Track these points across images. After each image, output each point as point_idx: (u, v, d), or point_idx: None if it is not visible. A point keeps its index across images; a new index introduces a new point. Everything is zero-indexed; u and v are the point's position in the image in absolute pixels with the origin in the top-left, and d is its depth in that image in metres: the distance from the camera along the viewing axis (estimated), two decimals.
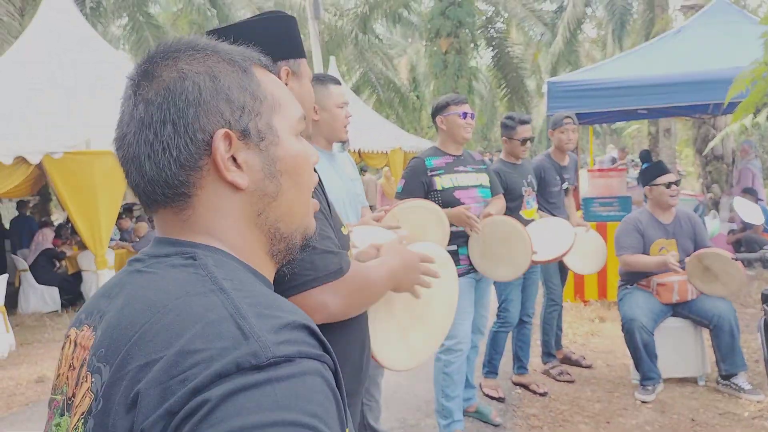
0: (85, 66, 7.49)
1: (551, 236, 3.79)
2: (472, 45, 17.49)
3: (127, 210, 9.88)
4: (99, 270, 6.79)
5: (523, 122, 4.04)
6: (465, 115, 3.37)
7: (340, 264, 1.41)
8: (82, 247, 8.21)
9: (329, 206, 1.51)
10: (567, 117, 4.51)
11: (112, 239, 8.41)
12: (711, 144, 5.85)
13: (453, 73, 16.66)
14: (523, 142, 4.01)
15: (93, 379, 0.69)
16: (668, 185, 4.17)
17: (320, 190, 1.45)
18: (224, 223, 0.78)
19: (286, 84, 1.48)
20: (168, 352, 0.62)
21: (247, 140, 0.77)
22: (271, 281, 0.84)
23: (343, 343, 1.43)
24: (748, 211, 3.28)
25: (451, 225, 3.11)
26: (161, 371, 0.61)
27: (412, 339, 1.75)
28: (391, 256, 1.59)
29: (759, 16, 8.98)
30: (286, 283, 1.31)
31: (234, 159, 0.76)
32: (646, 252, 4.21)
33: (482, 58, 21.80)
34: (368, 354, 1.55)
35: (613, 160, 17.50)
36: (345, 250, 1.49)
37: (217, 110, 0.76)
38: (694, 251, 4.08)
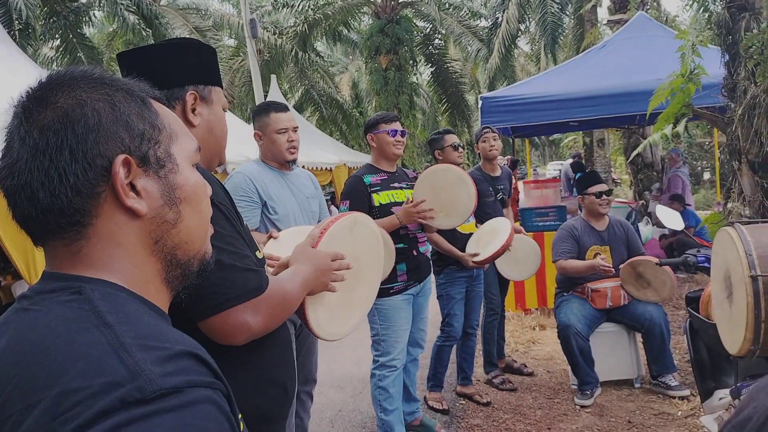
0: (11, 87, 7.23)
1: (490, 235, 3.94)
2: (411, 62, 17.73)
3: None
4: None
5: (448, 132, 4.30)
6: (395, 132, 3.44)
7: (260, 281, 1.41)
8: (17, 276, 7.88)
9: (244, 229, 1.51)
10: (486, 127, 4.73)
11: None
12: (634, 153, 6.08)
13: (394, 90, 16.83)
14: (455, 147, 4.15)
15: None
16: (599, 195, 4.33)
17: (234, 214, 1.46)
18: (117, 252, 0.76)
19: (194, 108, 1.49)
20: (50, 393, 0.60)
21: (147, 167, 0.77)
22: (166, 310, 0.83)
23: (266, 365, 1.43)
24: (668, 217, 3.43)
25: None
26: (43, 413, 0.60)
27: (356, 298, 1.82)
28: (302, 262, 1.58)
29: (676, 28, 9.41)
30: (206, 302, 1.30)
31: (133, 186, 0.76)
32: (581, 257, 4.35)
33: (422, 74, 22.10)
34: (293, 375, 1.55)
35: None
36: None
37: (117, 136, 0.75)
38: (628, 257, 4.24)
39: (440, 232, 3.81)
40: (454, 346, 4.30)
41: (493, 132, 4.65)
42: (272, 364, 1.46)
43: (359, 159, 16.47)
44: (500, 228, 3.95)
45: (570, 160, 13.79)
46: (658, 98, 4.25)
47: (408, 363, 3.68)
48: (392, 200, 3.38)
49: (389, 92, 16.94)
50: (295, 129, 3.01)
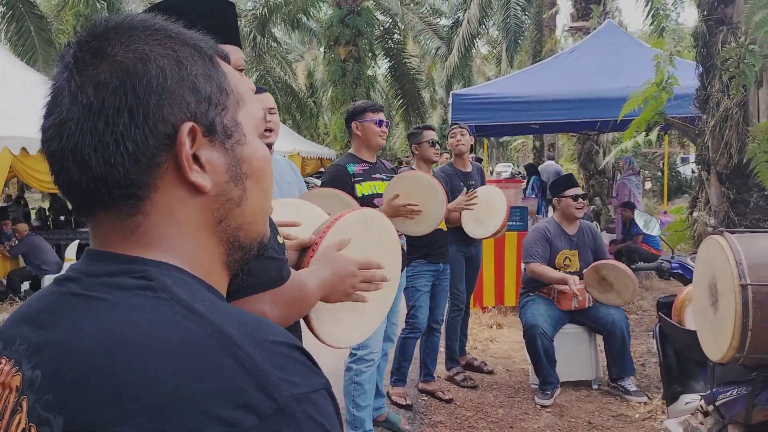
0: None
1: (486, 208, 4.12)
2: (370, 54, 17.66)
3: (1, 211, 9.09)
4: None
5: (428, 128, 4.31)
6: (381, 122, 3.39)
7: (281, 271, 1.32)
8: None
9: None
10: (455, 123, 4.79)
11: None
12: (607, 158, 6.23)
13: (351, 81, 16.73)
14: (432, 144, 4.15)
15: None
16: (575, 198, 4.38)
17: None
18: (181, 232, 0.67)
19: None
20: (149, 401, 0.51)
21: (212, 137, 0.67)
22: (225, 297, 0.74)
23: None
24: (646, 223, 3.49)
25: None
26: (148, 424, 0.51)
27: (344, 320, 1.62)
28: (323, 264, 1.47)
29: (642, 38, 9.67)
30: None
31: (196, 158, 0.66)
32: (552, 260, 4.38)
33: (380, 68, 22.06)
34: None
35: None
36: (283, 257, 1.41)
37: (182, 99, 0.65)
38: (593, 261, 4.30)
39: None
40: (418, 341, 4.28)
41: (462, 128, 4.66)
42: None
43: (312, 149, 16.36)
44: (494, 199, 4.09)
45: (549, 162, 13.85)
46: (631, 105, 4.33)
47: None
48: (374, 191, 3.32)
49: (347, 83, 16.82)
50: (271, 110, 2.84)
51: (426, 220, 3.32)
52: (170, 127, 0.64)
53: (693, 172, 22.97)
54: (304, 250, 1.58)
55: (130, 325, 0.57)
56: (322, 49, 19.20)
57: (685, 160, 25.11)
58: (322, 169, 17.36)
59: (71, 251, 8.68)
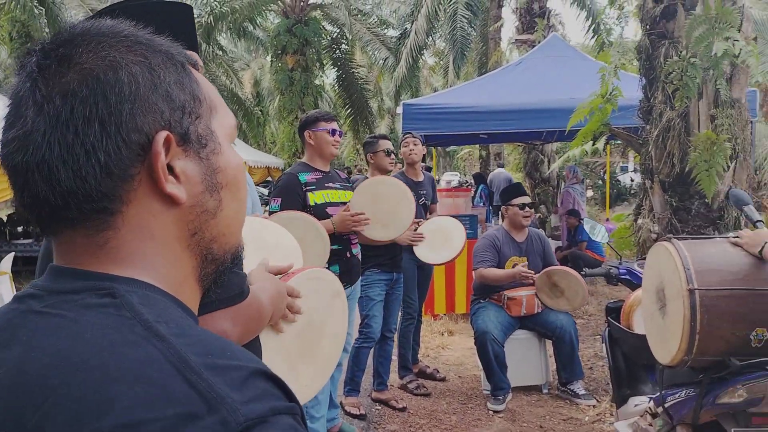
0: None
1: (441, 238, 4.08)
2: (318, 64, 17.62)
3: None
4: None
5: (384, 137, 4.35)
6: (334, 132, 3.39)
7: (242, 286, 1.27)
8: None
9: None
10: (407, 133, 4.82)
11: None
12: (553, 166, 6.37)
13: (299, 90, 16.66)
14: (387, 153, 4.17)
15: None
16: (522, 206, 4.46)
17: None
18: (153, 246, 0.64)
19: None
20: (101, 425, 0.49)
21: (187, 146, 0.64)
22: (197, 313, 0.71)
23: None
24: (595, 231, 3.59)
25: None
26: None
27: (302, 373, 1.59)
28: (267, 282, 1.43)
29: (585, 50, 9.97)
30: None
31: (170, 168, 0.63)
32: (501, 267, 4.45)
33: (328, 77, 22.03)
34: None
35: None
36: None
37: (156, 108, 0.62)
38: (543, 268, 4.38)
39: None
40: (371, 351, 4.27)
41: (414, 137, 4.69)
42: None
43: (259, 158, 16.17)
44: (454, 232, 4.06)
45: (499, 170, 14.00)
46: (578, 116, 4.45)
47: None
48: (327, 200, 3.30)
49: (294, 92, 16.74)
50: None
51: (394, 225, 3.35)
52: (144, 137, 0.61)
53: (632, 180, 23.83)
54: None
55: (88, 344, 0.54)
56: (269, 58, 19.04)
57: (624, 169, 25.98)
58: (269, 179, 17.19)
59: (6, 264, 8.32)
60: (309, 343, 1.60)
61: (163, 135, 0.61)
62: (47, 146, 0.59)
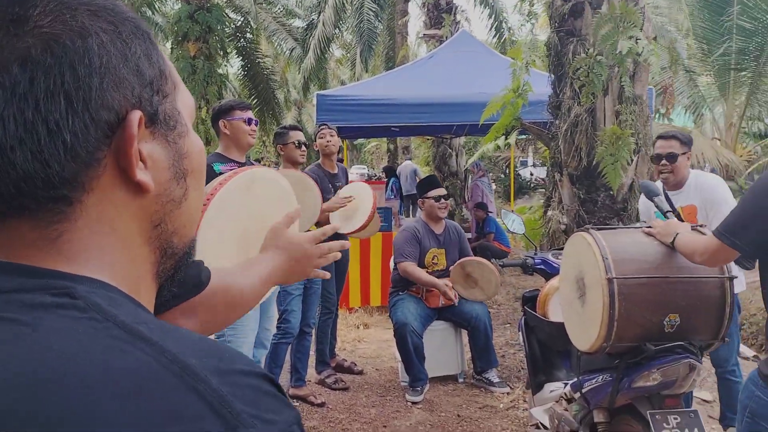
0: None
1: (352, 206, 4.13)
2: (221, 52, 17.13)
3: None
4: None
5: (294, 128, 4.27)
6: (250, 121, 3.30)
7: (199, 276, 1.16)
8: None
9: None
10: (323, 124, 4.81)
11: None
12: (471, 160, 6.51)
13: (202, 79, 16.06)
14: (298, 145, 4.11)
15: None
16: (438, 198, 4.50)
17: None
18: (111, 241, 0.55)
19: None
20: None
21: (154, 128, 0.57)
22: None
23: None
24: (512, 223, 3.68)
25: None
26: None
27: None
28: (276, 252, 1.33)
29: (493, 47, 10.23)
30: None
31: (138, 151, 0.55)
32: (421, 259, 4.48)
33: (232, 66, 21.47)
34: None
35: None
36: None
37: (127, 83, 0.54)
38: (459, 259, 4.45)
39: None
40: (290, 346, 4.19)
41: (330, 128, 4.64)
42: None
43: None
44: (362, 194, 4.13)
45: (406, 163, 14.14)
46: (490, 110, 4.54)
47: None
48: None
49: (197, 81, 16.10)
50: None
51: (301, 219, 3.26)
52: (114, 115, 0.53)
53: (531, 174, 24.78)
54: None
55: (58, 355, 0.45)
56: (168, 45, 18.31)
57: (524, 164, 26.99)
58: None
59: None
60: (256, 240, 1.45)
61: (137, 115, 0.54)
62: (1, 123, 0.49)
